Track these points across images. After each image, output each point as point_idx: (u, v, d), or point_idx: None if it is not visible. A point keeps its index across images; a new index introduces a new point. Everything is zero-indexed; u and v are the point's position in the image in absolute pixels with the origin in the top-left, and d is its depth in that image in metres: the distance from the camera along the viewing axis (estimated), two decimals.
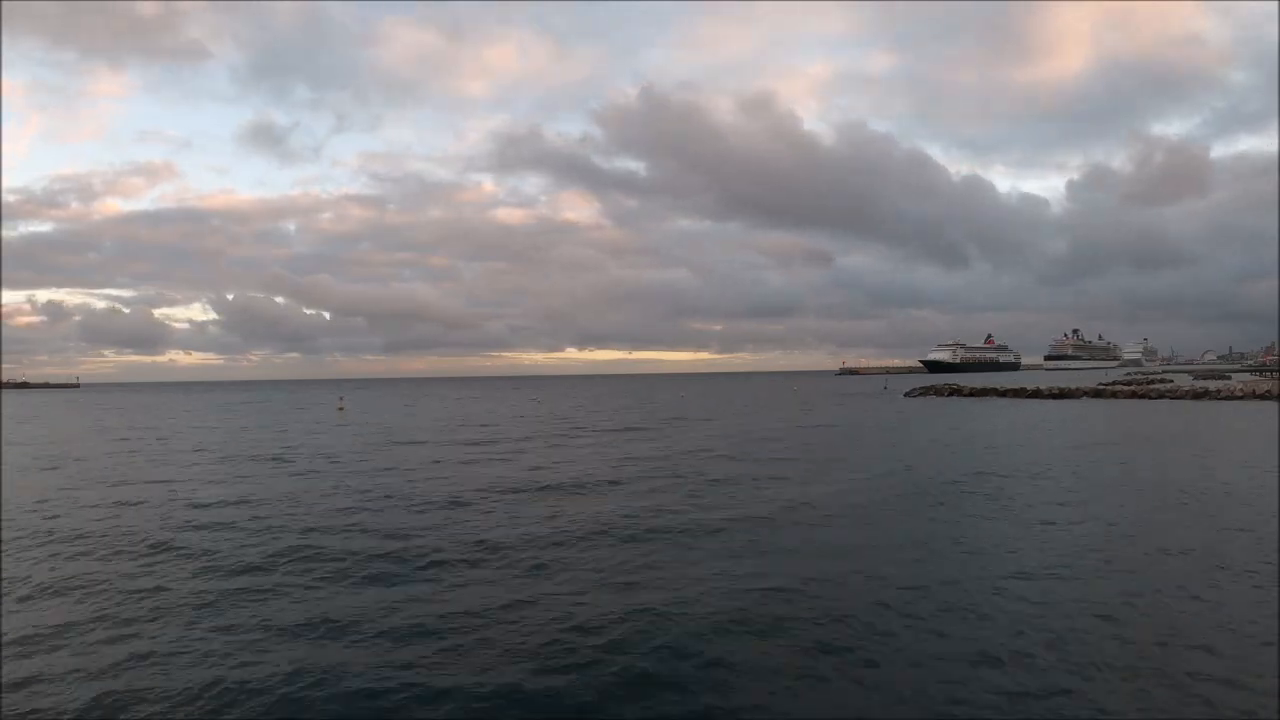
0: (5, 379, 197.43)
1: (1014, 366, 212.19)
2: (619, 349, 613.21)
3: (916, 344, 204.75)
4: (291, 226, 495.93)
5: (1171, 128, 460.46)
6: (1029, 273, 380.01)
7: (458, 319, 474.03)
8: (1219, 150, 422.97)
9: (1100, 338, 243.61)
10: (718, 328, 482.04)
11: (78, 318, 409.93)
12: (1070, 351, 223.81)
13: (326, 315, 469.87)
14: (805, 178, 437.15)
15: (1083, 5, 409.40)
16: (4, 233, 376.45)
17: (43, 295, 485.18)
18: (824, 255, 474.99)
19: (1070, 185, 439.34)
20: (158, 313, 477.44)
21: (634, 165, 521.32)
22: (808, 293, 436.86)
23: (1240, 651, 7.38)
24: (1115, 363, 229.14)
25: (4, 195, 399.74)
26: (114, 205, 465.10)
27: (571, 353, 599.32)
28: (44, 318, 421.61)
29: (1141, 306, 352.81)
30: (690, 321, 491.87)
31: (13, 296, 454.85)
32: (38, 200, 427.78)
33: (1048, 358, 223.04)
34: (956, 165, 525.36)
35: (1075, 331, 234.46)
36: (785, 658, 7.45)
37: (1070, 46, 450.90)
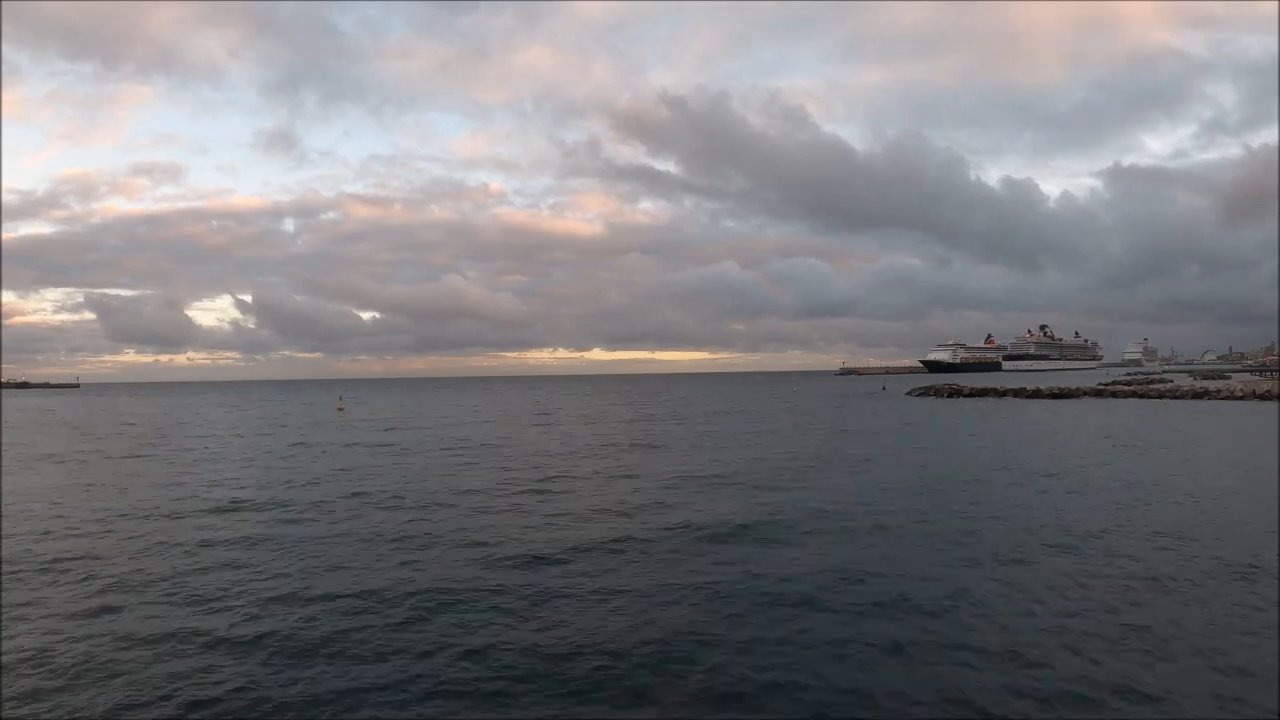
0: (6, 379, 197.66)
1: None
2: (644, 349, 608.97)
3: (933, 344, 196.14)
4: (292, 226, 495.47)
5: (1163, 137, 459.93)
6: (1075, 275, 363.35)
7: (478, 318, 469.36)
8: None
9: (1076, 334, 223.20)
10: (741, 328, 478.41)
11: (108, 315, 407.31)
12: (1033, 350, 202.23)
13: (352, 313, 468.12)
14: (843, 180, 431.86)
15: (1063, 9, 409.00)
16: (14, 233, 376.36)
17: (76, 294, 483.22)
18: (854, 255, 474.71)
19: (1093, 192, 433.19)
20: (187, 310, 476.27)
21: (661, 166, 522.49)
22: (835, 294, 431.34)
23: None
24: (1095, 363, 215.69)
25: (16, 197, 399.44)
26: (115, 205, 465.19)
27: (598, 352, 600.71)
28: (88, 315, 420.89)
29: (1162, 308, 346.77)
30: (720, 322, 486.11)
31: (35, 295, 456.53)
32: (41, 202, 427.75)
33: (1006, 357, 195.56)
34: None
35: (1043, 328, 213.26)
36: None
37: (1056, 57, 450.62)
